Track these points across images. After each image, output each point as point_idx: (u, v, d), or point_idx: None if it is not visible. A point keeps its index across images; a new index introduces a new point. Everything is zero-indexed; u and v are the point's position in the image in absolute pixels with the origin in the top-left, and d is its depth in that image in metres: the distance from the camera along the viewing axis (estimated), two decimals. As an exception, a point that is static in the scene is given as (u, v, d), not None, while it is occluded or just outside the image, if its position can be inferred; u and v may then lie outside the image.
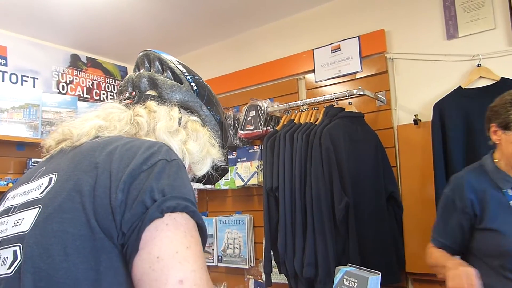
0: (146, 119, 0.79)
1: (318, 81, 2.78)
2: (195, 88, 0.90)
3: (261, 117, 2.73)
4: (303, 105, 2.51)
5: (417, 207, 2.26)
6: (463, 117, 2.16)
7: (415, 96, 2.40)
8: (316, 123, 2.27)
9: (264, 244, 2.32)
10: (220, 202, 3.16)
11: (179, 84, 0.88)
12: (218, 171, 0.91)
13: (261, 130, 2.70)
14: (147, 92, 0.86)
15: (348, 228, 2.00)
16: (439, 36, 2.38)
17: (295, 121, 2.39)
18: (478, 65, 2.20)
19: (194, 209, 0.64)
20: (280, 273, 2.27)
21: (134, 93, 0.86)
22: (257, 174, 2.75)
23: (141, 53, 0.95)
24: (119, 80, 3.72)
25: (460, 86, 2.22)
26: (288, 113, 2.55)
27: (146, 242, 0.58)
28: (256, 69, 3.09)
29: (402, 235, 2.28)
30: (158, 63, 0.91)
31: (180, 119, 0.83)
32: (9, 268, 0.58)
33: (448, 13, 2.35)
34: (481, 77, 2.19)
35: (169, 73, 0.90)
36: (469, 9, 2.29)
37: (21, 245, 0.59)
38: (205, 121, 0.90)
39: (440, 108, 2.23)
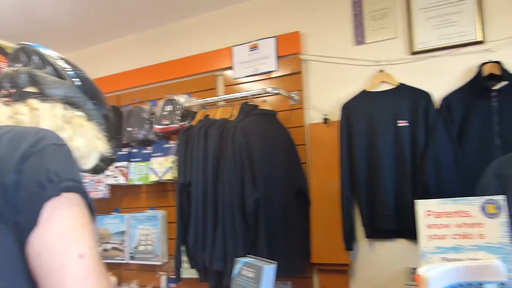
0: (28, 117, 0.78)
1: (236, 78, 2.81)
2: (78, 83, 0.89)
3: (178, 112, 2.70)
4: (220, 101, 2.52)
5: (324, 202, 2.39)
6: (366, 118, 2.32)
7: (325, 97, 2.53)
8: (231, 119, 2.29)
9: (175, 240, 2.30)
10: (133, 198, 3.06)
11: (61, 80, 0.87)
12: (105, 162, 0.92)
13: (177, 125, 2.67)
14: (27, 89, 0.83)
15: (257, 222, 2.06)
16: (349, 41, 2.53)
17: (211, 117, 2.39)
18: (381, 71, 2.38)
19: (85, 190, 0.68)
20: (191, 268, 2.26)
21: (13, 90, 0.83)
22: (172, 170, 2.71)
23: (17, 47, 0.91)
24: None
25: (364, 89, 2.38)
26: (205, 109, 2.55)
27: (46, 219, 0.61)
28: (174, 63, 3.05)
29: (309, 228, 2.39)
30: (37, 58, 0.89)
31: (64, 116, 0.83)
32: None
33: (357, 20, 2.51)
34: (383, 81, 2.37)
35: (50, 68, 0.88)
36: (375, 18, 2.47)
37: None
38: (91, 116, 0.90)
39: (347, 108, 2.38)
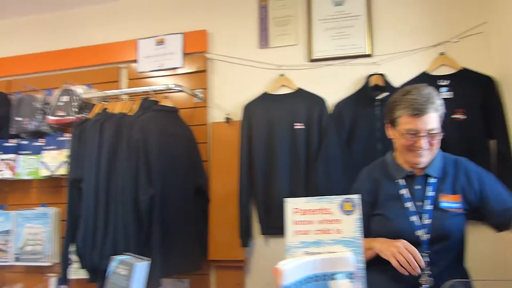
0: None
1: (141, 72, 2.75)
2: None
3: (75, 103, 2.56)
4: (121, 94, 2.45)
5: (223, 200, 2.44)
6: (266, 119, 2.41)
7: (229, 96, 2.59)
8: (130, 114, 2.24)
9: (64, 238, 2.18)
10: (22, 194, 2.84)
11: None
12: None
13: (73, 117, 2.53)
14: None
15: (152, 219, 2.03)
16: (254, 44, 2.61)
17: (109, 111, 2.31)
18: (282, 75, 2.49)
19: None
20: (81, 268, 2.16)
21: None
22: (67, 164, 2.56)
23: None
24: None
25: (266, 91, 2.48)
26: (106, 102, 2.45)
27: None
28: (75, 51, 2.89)
29: (207, 225, 2.42)
30: None
31: None
32: None
33: (262, 24, 2.60)
34: (283, 85, 2.48)
35: None
36: (279, 24, 2.57)
37: None
38: None
39: (249, 109, 2.46)
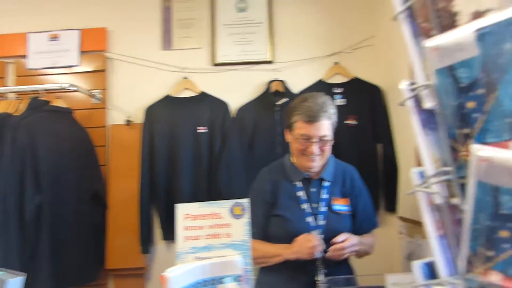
0: None
1: (31, 69, 2.53)
2: None
3: (-50, 101, 2.27)
4: (7, 92, 2.23)
5: (122, 205, 2.34)
6: (169, 122, 2.37)
7: (129, 98, 2.49)
8: (16, 114, 2.05)
9: None
10: None
11: None
12: None
13: None
14: None
15: (40, 229, 1.88)
16: (157, 45, 2.55)
17: (-9, 110, 2.09)
18: (185, 78, 2.47)
19: None
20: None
21: None
22: None
23: None
24: None
25: (169, 94, 2.44)
26: (-12, 100, 2.21)
27: None
28: (-50, 42, 2.56)
29: (105, 233, 2.31)
30: None
31: None
32: None
33: (166, 26, 2.56)
34: (186, 88, 2.46)
35: None
36: (182, 26, 2.55)
37: None
38: None
39: (151, 112, 2.39)
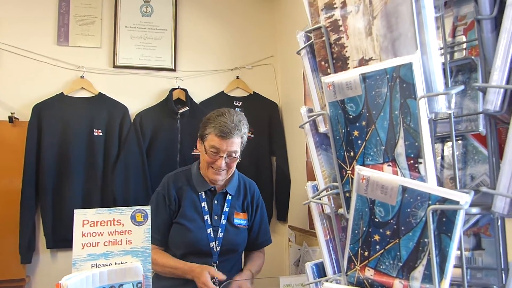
0: None
1: None
2: None
3: None
4: None
5: (1, 208, 2.13)
6: (61, 122, 2.23)
7: (15, 93, 2.28)
8: None
9: None
10: None
11: None
12: None
13: None
14: None
15: None
16: (51, 39, 2.38)
17: None
18: (82, 77, 2.35)
19: None
20: None
21: None
22: None
23: None
24: None
25: (62, 92, 2.30)
26: None
27: None
28: None
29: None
30: None
31: None
32: None
33: (62, 20, 2.41)
34: (83, 88, 2.35)
35: None
36: (81, 23, 2.43)
37: None
38: None
39: (40, 109, 2.23)
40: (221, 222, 1.64)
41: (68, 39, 2.41)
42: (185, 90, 2.43)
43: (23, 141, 2.18)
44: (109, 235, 1.07)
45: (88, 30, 2.44)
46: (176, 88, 2.43)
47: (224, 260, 1.63)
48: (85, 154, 2.25)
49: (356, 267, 0.62)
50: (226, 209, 1.67)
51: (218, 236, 1.62)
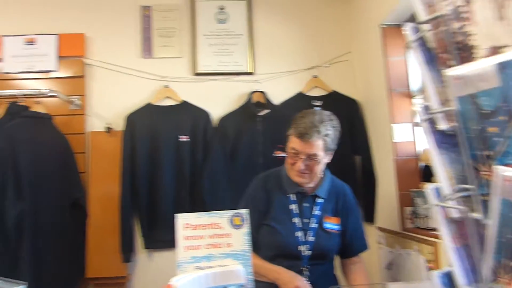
0: None
1: (7, 73, 2.45)
2: None
3: None
4: (-17, 96, 2.15)
5: (102, 213, 2.31)
6: (150, 130, 2.37)
7: (109, 105, 2.46)
8: (-7, 119, 1.99)
9: None
10: None
11: None
12: None
13: None
14: None
15: (21, 236, 1.83)
16: (137, 53, 2.54)
17: (-35, 115, 2.02)
18: (166, 86, 2.47)
19: None
20: None
21: None
22: None
23: None
24: None
25: (150, 102, 2.43)
26: (-41, 104, 2.13)
27: None
28: None
29: (85, 241, 2.26)
30: None
31: None
32: None
33: (146, 34, 2.55)
34: (167, 97, 2.46)
35: None
36: (163, 35, 2.56)
37: None
38: None
39: (132, 119, 2.38)
40: (311, 226, 1.60)
41: (152, 52, 2.54)
42: (263, 92, 2.45)
43: (118, 149, 2.34)
44: (209, 238, 1.10)
45: (170, 42, 2.56)
46: (255, 91, 2.45)
47: (314, 265, 1.58)
48: (173, 159, 2.35)
49: (501, 279, 0.56)
50: (316, 212, 1.62)
51: (308, 239, 1.58)
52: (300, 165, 1.53)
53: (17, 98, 2.13)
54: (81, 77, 2.46)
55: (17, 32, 2.48)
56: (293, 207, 1.62)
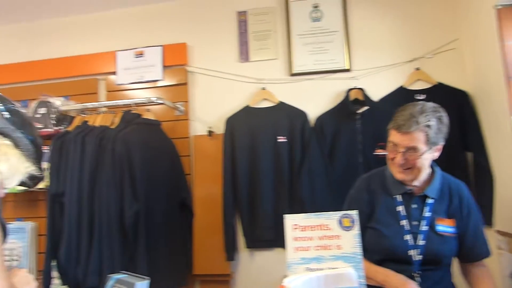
0: None
1: (120, 84, 2.71)
2: (7, 116, 1.05)
3: (52, 115, 2.50)
4: (101, 107, 2.41)
5: (207, 213, 2.43)
6: (249, 132, 2.43)
7: (210, 110, 2.59)
8: (112, 127, 2.20)
9: (45, 254, 2.11)
10: (-6, 209, 2.72)
11: None
12: (34, 180, 1.10)
13: (51, 130, 2.47)
14: None
15: (137, 234, 2.00)
16: (234, 57, 2.63)
17: (89, 124, 2.27)
18: (263, 88, 2.52)
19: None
20: (62, 285, 2.10)
21: None
22: (45, 178, 2.49)
23: None
24: None
25: (248, 105, 2.50)
26: (84, 114, 2.40)
27: None
28: (51, 62, 2.81)
29: (192, 239, 2.40)
30: None
31: None
32: None
33: (242, 38, 2.63)
34: (264, 99, 2.51)
35: None
36: (258, 38, 2.61)
37: None
38: (18, 143, 1.06)
39: (231, 122, 2.47)
40: (421, 229, 1.48)
41: (249, 55, 2.61)
42: (362, 89, 2.37)
43: (220, 151, 2.44)
44: (319, 239, 1.09)
45: (265, 44, 2.61)
46: (353, 88, 2.39)
47: (426, 271, 1.46)
48: (272, 160, 2.39)
49: None
50: (427, 214, 1.50)
51: (418, 243, 1.47)
52: (400, 159, 1.44)
53: (130, 107, 2.33)
54: (184, 84, 2.62)
55: (128, 46, 2.73)
56: (400, 208, 1.53)
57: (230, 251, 2.35)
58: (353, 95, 2.37)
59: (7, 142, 1.05)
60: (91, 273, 1.92)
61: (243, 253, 2.44)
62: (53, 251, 2.07)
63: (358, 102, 2.36)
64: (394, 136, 1.47)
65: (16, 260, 2.54)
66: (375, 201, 1.58)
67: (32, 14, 2.85)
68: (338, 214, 1.11)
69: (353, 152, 2.29)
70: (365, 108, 2.30)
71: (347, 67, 2.47)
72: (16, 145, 1.07)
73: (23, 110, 1.13)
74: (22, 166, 1.07)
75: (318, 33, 2.54)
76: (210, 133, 2.50)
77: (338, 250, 1.08)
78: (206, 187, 2.47)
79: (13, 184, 1.06)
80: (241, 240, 2.43)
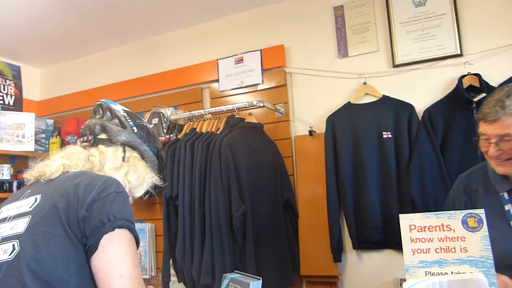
0: (98, 158, 1.08)
1: (222, 91, 2.83)
2: (136, 130, 1.18)
3: (164, 124, 2.70)
4: (205, 114, 2.53)
5: (311, 213, 2.41)
6: (351, 130, 2.35)
7: (310, 109, 2.57)
8: (217, 132, 2.30)
9: (163, 253, 2.29)
10: (119, 211, 3.03)
11: (123, 129, 1.16)
12: (157, 189, 1.22)
13: (163, 138, 2.67)
14: (99, 136, 1.15)
15: (245, 235, 2.06)
16: (332, 54, 2.57)
17: (197, 130, 2.40)
18: (364, 83, 2.42)
19: (133, 227, 0.96)
20: (179, 282, 2.25)
21: (90, 137, 1.15)
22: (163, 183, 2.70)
23: (96, 103, 1.23)
24: (10, 80, 3.40)
25: (349, 101, 2.42)
26: (191, 121, 2.55)
27: (102, 246, 0.89)
28: (160, 76, 3.05)
29: (297, 240, 2.40)
30: (108, 112, 1.19)
31: (123, 157, 1.12)
32: (9, 255, 0.88)
33: (340, 34, 2.56)
34: (366, 94, 2.41)
35: (116, 120, 1.18)
36: (357, 31, 2.52)
37: (18, 241, 0.90)
38: (144, 155, 1.18)
39: (332, 121, 2.41)
40: None
41: (347, 50, 2.53)
42: (477, 75, 2.14)
43: (322, 151, 2.40)
44: (439, 241, 1.00)
45: (364, 37, 2.50)
46: (466, 75, 2.17)
47: None
48: (377, 158, 2.28)
49: None
50: None
51: None
52: (493, 151, 1.29)
53: (233, 112, 2.42)
54: (283, 85, 2.64)
55: (228, 53, 2.84)
56: (509, 207, 1.35)
57: (337, 252, 2.28)
58: (466, 82, 2.16)
59: (135, 154, 1.17)
60: (204, 272, 2.02)
61: (351, 254, 2.36)
62: (170, 251, 2.23)
63: (473, 89, 2.14)
64: (482, 127, 1.33)
65: (139, 259, 2.80)
66: (476, 201, 1.42)
67: (138, 35, 3.12)
68: (461, 213, 1.00)
69: (470, 144, 2.06)
70: (483, 95, 2.07)
71: (458, 52, 2.25)
72: (143, 157, 1.18)
73: (148, 125, 1.26)
74: (148, 176, 1.17)
75: (422, 19, 2.36)
76: (311, 133, 2.47)
77: (463, 253, 0.97)
78: (310, 187, 2.45)
79: (140, 193, 1.17)
80: (347, 241, 2.35)
